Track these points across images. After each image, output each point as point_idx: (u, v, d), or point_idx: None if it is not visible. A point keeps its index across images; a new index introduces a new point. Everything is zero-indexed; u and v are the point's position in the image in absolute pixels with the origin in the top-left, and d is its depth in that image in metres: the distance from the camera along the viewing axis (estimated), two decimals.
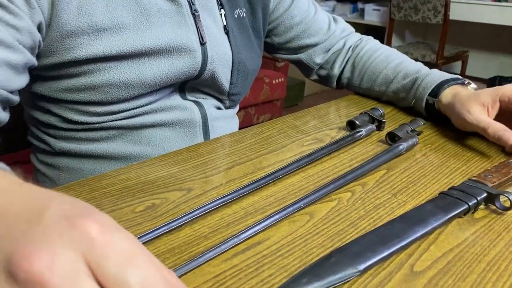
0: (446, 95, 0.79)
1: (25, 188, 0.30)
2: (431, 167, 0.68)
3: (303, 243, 0.49)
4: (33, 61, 0.64)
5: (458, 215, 0.54)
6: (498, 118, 0.73)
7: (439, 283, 0.44)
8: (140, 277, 0.24)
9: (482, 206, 0.57)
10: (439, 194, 0.58)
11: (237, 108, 0.95)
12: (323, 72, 1.02)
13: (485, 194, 0.56)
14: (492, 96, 0.73)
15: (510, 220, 0.55)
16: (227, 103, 0.88)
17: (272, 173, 0.61)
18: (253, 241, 0.49)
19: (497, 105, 0.73)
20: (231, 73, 0.84)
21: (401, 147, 0.71)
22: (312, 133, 0.78)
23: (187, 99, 0.81)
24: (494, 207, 0.57)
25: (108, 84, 0.69)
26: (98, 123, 0.74)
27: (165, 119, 0.78)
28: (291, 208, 0.54)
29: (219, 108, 0.87)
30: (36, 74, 0.68)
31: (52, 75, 0.69)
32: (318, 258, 0.46)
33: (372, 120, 0.80)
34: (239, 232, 0.48)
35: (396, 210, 0.56)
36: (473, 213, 0.56)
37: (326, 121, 0.83)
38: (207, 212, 0.53)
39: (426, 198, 0.59)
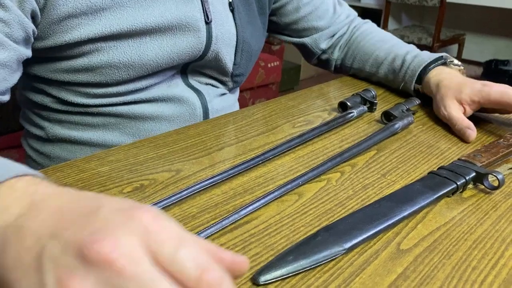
0: (429, 82, 0.80)
1: (73, 192, 0.33)
2: (422, 148, 0.68)
3: (290, 222, 0.49)
4: (27, 53, 0.60)
5: (447, 194, 0.54)
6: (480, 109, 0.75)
7: (424, 260, 0.44)
8: (192, 254, 0.27)
9: (470, 186, 0.57)
10: (428, 173, 0.58)
11: (238, 93, 0.94)
12: (324, 57, 1.01)
13: (473, 174, 0.56)
14: (472, 96, 0.73)
15: (498, 199, 0.55)
16: (230, 84, 0.86)
17: (262, 154, 0.61)
18: (242, 221, 0.49)
19: (476, 105, 0.73)
20: (235, 53, 0.81)
21: (396, 125, 0.71)
22: (304, 114, 0.78)
23: (189, 84, 0.79)
24: (482, 187, 0.57)
25: (108, 65, 0.66)
26: (95, 106, 0.71)
27: (165, 112, 0.75)
28: (281, 189, 0.54)
29: (222, 94, 0.85)
30: (32, 55, 0.64)
31: (48, 56, 0.66)
32: (305, 236, 0.46)
33: (364, 101, 0.80)
34: (228, 214, 0.49)
35: (384, 190, 0.56)
36: (461, 192, 0.56)
37: (318, 103, 0.83)
38: (195, 192, 0.53)
39: (416, 178, 0.59)
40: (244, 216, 0.49)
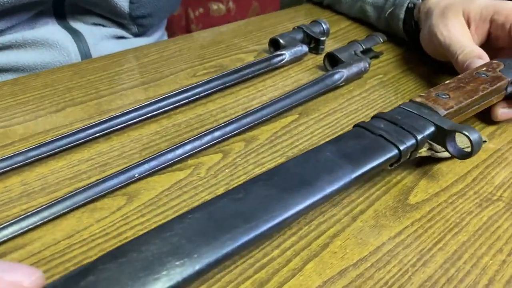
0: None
1: None
2: (374, 109, 0.45)
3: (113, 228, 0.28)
4: None
5: (377, 168, 0.31)
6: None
7: None
8: None
9: (424, 150, 0.35)
10: (353, 126, 0.35)
11: (160, 34, 0.71)
12: None
13: (431, 129, 0.34)
14: (483, 11, 0.47)
15: (471, 207, 0.33)
16: (134, 29, 0.63)
17: (110, 119, 0.40)
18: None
19: (485, 27, 0.47)
20: None
21: (337, 76, 0.48)
22: (219, 57, 0.55)
23: (65, 25, 0.58)
24: (443, 153, 0.35)
25: None
26: None
27: (26, 61, 0.55)
28: (105, 185, 0.33)
29: (120, 38, 0.63)
30: None
31: None
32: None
33: (310, 39, 0.56)
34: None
35: None
36: (409, 158, 0.34)
37: (248, 40, 0.59)
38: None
39: None
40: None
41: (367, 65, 0.50)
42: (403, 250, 0.30)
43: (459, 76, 0.41)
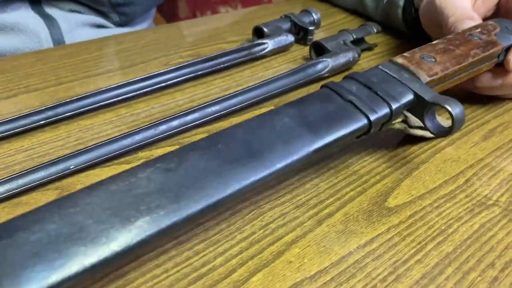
0: None
1: None
2: None
3: None
4: None
5: (341, 140, 0.26)
6: None
7: None
8: None
9: (397, 122, 0.30)
10: (321, 86, 0.30)
11: (147, 25, 0.68)
12: None
13: (409, 98, 0.29)
14: None
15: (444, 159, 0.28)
16: (115, 17, 0.60)
17: (67, 103, 0.35)
18: None
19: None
20: None
21: (320, 65, 0.43)
22: (196, 47, 0.50)
23: (40, 11, 0.54)
24: (416, 129, 0.30)
25: None
26: None
27: None
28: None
29: (99, 26, 0.59)
30: None
31: None
32: None
33: (298, 29, 0.52)
34: None
35: None
36: (380, 130, 0.29)
37: (233, 31, 0.55)
38: None
39: None
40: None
41: (356, 56, 0.45)
42: (373, 261, 0.25)
43: (450, 36, 0.35)
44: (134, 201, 0.20)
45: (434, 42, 0.34)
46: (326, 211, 0.28)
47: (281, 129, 0.25)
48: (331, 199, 0.29)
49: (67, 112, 0.35)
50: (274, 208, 0.28)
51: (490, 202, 0.29)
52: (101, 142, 0.31)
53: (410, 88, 0.29)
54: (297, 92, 0.42)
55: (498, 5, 0.43)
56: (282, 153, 0.24)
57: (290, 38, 0.49)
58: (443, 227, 0.27)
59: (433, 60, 0.31)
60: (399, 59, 0.31)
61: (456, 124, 0.27)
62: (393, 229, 0.27)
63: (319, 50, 0.47)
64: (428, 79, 0.30)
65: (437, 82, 0.31)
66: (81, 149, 0.30)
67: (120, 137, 0.32)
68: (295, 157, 0.24)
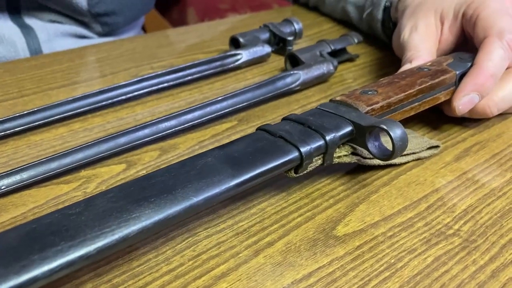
0: None
1: None
2: None
3: None
4: None
5: (269, 173, 0.24)
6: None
7: None
8: None
9: (343, 153, 0.28)
10: (256, 129, 0.28)
11: (136, 32, 0.67)
12: None
13: (347, 128, 0.27)
14: (456, 6, 0.39)
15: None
16: (97, 27, 0.58)
17: (17, 117, 0.34)
18: None
19: (458, 24, 0.39)
20: None
21: (289, 79, 0.41)
22: (170, 57, 0.49)
23: (18, 21, 0.54)
24: (371, 159, 0.28)
25: None
26: None
27: None
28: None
29: (81, 37, 0.58)
30: None
31: None
32: None
33: (278, 39, 0.50)
34: None
35: None
36: (322, 164, 0.27)
37: (213, 40, 0.53)
38: None
39: None
40: None
41: (332, 68, 0.43)
42: None
43: (397, 72, 0.34)
44: (29, 243, 0.19)
45: (380, 80, 0.33)
46: (267, 239, 0.26)
47: (202, 168, 0.23)
48: (275, 226, 0.27)
49: (17, 127, 0.34)
50: (211, 236, 0.26)
51: (451, 231, 0.27)
52: (38, 160, 0.30)
53: (346, 119, 0.28)
54: (266, 106, 0.40)
55: (464, 31, 0.40)
56: (198, 186, 0.22)
57: (267, 49, 0.47)
58: (392, 261, 0.25)
59: (374, 92, 0.30)
60: (338, 97, 0.30)
61: (396, 146, 0.25)
62: (336, 261, 0.25)
63: (294, 61, 0.45)
64: (367, 108, 0.29)
65: (378, 111, 0.29)
66: (14, 168, 0.29)
67: (59, 156, 0.30)
68: (213, 191, 0.22)
